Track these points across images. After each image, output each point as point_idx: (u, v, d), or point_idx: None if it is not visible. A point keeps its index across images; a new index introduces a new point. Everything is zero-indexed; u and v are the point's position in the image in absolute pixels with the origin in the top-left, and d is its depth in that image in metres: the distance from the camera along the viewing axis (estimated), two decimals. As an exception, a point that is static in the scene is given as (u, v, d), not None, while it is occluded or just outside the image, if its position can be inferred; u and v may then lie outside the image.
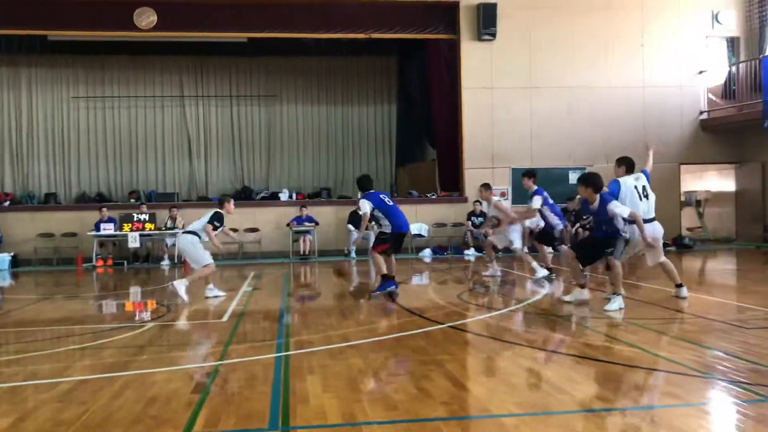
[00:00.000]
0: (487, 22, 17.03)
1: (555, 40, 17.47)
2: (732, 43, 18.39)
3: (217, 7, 16.90)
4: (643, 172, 8.45)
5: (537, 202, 10.41)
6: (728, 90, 17.99)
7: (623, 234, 7.83)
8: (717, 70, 18.24)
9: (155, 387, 4.79)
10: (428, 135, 19.86)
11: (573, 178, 16.37)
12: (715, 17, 18.02)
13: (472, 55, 17.36)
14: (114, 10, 16.58)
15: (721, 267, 13.89)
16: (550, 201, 10.71)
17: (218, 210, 9.69)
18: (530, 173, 10.87)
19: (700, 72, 18.08)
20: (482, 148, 17.29)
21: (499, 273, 11.41)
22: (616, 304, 7.68)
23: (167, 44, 19.00)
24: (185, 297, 9.06)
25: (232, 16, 17.02)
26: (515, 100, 17.45)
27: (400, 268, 13.27)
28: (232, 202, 9.97)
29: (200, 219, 9.63)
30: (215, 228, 9.44)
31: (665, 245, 16.39)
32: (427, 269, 13.85)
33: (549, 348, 6.02)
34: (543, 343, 6.26)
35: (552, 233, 10.72)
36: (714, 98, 18.14)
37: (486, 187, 11.40)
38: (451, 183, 18.15)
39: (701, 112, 18.11)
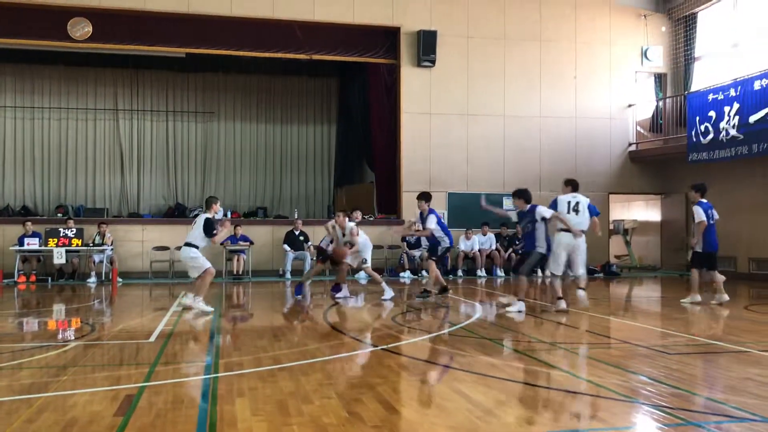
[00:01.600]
0: (426, 49, 17.31)
1: (491, 69, 17.90)
2: (660, 78, 19.22)
3: (155, 20, 16.63)
4: (589, 206, 9.94)
5: (431, 222, 11.33)
6: (656, 124, 18.77)
7: (538, 249, 9.59)
8: (645, 104, 19.02)
9: (75, 409, 4.59)
10: (367, 157, 19.95)
11: (507, 203, 16.68)
12: (644, 54, 18.82)
13: (412, 80, 17.59)
14: (48, 19, 16.11)
15: (647, 294, 14.35)
16: (443, 221, 12.01)
17: (207, 216, 9.80)
18: (424, 196, 11.70)
19: (630, 105, 18.80)
20: (420, 171, 17.48)
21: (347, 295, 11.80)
22: (515, 307, 9.57)
23: (102, 56, 18.55)
24: (208, 308, 9.60)
25: (170, 30, 16.78)
26: (452, 126, 17.74)
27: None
28: (218, 203, 10.16)
29: (195, 229, 9.78)
30: (215, 234, 9.69)
31: (593, 272, 17.00)
32: (363, 291, 13.81)
33: (481, 371, 6.06)
34: (475, 366, 6.30)
35: (437, 250, 11.58)
36: (642, 131, 18.88)
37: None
38: (388, 205, 18.24)
39: (630, 144, 18.80)
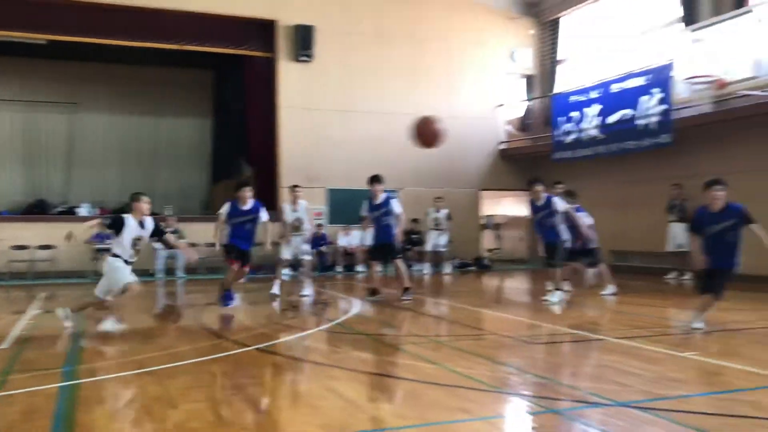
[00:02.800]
0: (304, 44, 17.18)
1: (369, 66, 18.02)
2: (528, 80, 20.09)
3: (14, 3, 15.45)
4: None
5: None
6: (524, 123, 19.62)
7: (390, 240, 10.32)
8: (515, 104, 19.83)
9: None
10: (244, 152, 19.56)
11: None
12: (513, 55, 19.60)
13: (290, 75, 17.40)
14: None
15: (516, 286, 14.99)
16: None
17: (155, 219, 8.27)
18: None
19: (500, 105, 19.53)
20: (299, 167, 17.29)
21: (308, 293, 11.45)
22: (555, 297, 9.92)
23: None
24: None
25: (31, 14, 15.62)
26: (332, 122, 17.71)
27: (210, 289, 12.85)
28: (143, 199, 8.02)
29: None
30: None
31: (466, 264, 17.55)
32: (240, 289, 13.51)
33: (354, 367, 6.08)
34: (349, 362, 6.31)
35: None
36: (512, 130, 19.67)
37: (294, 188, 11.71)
38: (266, 201, 17.92)
39: (500, 143, 19.54)
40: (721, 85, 11.75)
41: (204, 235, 16.35)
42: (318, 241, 16.86)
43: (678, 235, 14.12)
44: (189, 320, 9.38)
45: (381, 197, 10.52)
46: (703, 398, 4.80)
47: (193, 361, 6.21)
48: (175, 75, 20.91)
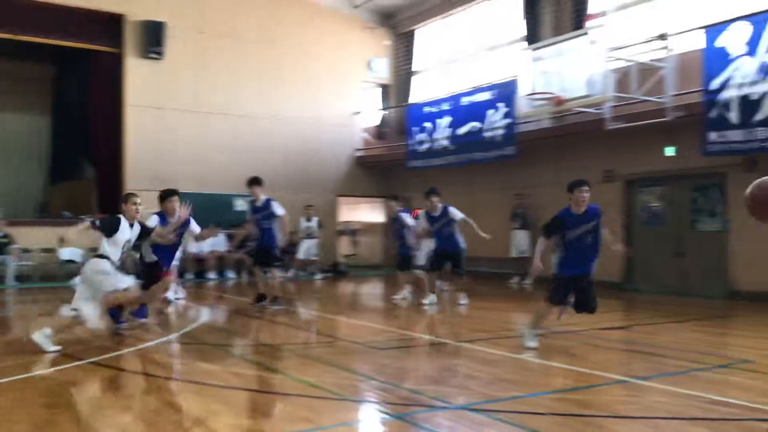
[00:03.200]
0: (154, 40, 16.43)
1: (224, 67, 17.57)
2: (384, 89, 20.47)
3: None
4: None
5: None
6: (380, 131, 19.96)
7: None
8: (371, 112, 20.13)
9: None
10: (86, 152, 18.42)
11: (238, 204, 16.55)
12: (369, 65, 19.90)
13: (138, 72, 16.58)
14: None
15: (370, 291, 15.16)
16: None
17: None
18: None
19: (357, 113, 19.75)
20: (146, 168, 16.49)
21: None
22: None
23: None
24: None
25: None
26: (183, 122, 17.07)
27: (48, 298, 11.98)
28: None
29: None
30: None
31: (325, 271, 17.55)
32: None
33: (196, 379, 5.85)
34: (192, 374, 6.07)
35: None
36: (368, 138, 19.94)
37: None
38: (111, 204, 16.97)
39: (357, 150, 19.76)
40: (559, 102, 12.55)
41: (38, 240, 15.25)
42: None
43: (521, 241, 14.94)
44: (18, 332, 8.63)
45: (262, 200, 10.22)
46: (536, 398, 5.06)
47: (17, 377, 5.71)
48: (11, 68, 19.30)
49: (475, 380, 5.57)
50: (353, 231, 20.58)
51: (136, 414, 4.81)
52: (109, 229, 7.19)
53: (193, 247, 16.54)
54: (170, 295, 10.64)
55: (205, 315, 10.00)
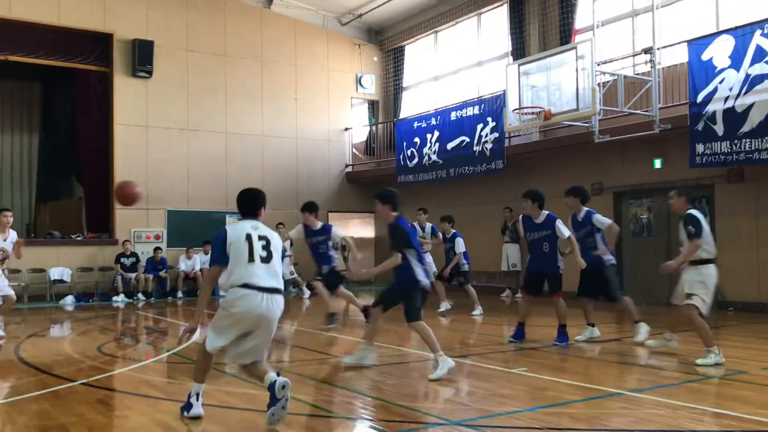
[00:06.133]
0: (142, 59, 16.45)
1: (212, 85, 17.61)
2: (373, 105, 20.55)
3: None
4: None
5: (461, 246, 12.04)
6: (369, 147, 20.00)
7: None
8: (360, 128, 20.19)
9: None
10: (75, 170, 18.34)
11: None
12: (358, 81, 19.98)
13: (127, 91, 16.58)
14: None
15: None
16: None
17: None
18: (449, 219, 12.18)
19: (346, 129, 19.81)
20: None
21: None
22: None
23: None
24: None
25: None
26: (172, 140, 17.07)
27: (37, 319, 11.90)
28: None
29: None
30: None
31: (310, 287, 17.43)
32: (68, 319, 12.59)
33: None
34: (184, 394, 6.02)
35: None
36: (358, 153, 19.99)
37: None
38: (100, 223, 16.92)
39: (347, 165, 19.78)
40: (547, 116, 12.64)
41: (28, 260, 15.11)
42: (156, 265, 16.14)
43: (512, 255, 14.96)
44: (8, 354, 8.54)
45: (318, 225, 10.24)
46: (530, 413, 5.05)
47: (9, 400, 5.66)
48: (-2, 86, 19.25)
49: (469, 395, 5.56)
50: (344, 246, 20.49)
51: (130, 436, 4.77)
52: None
53: (183, 265, 16.48)
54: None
55: (197, 334, 9.92)
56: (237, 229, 4.79)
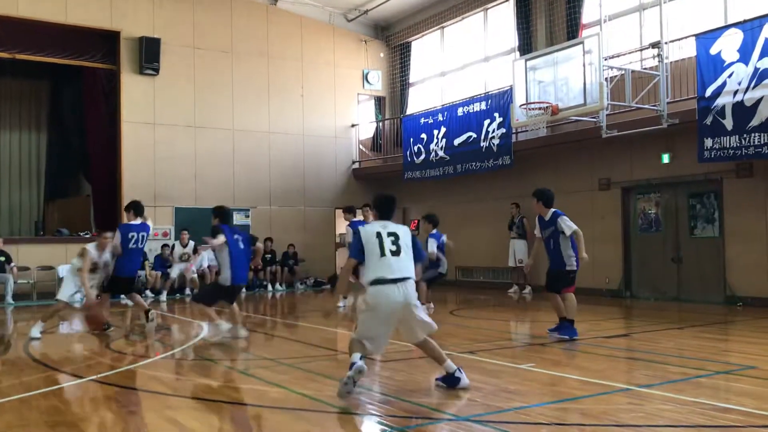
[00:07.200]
0: (149, 56, 16.48)
1: (219, 81, 17.62)
2: (379, 101, 20.52)
3: None
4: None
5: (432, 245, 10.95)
6: (376, 143, 19.98)
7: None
8: (367, 124, 20.17)
9: None
10: (83, 168, 18.41)
11: (237, 218, 16.51)
12: (365, 77, 19.96)
13: (134, 88, 16.61)
14: None
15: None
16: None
17: None
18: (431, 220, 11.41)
19: (353, 125, 19.79)
20: (143, 185, 16.49)
21: None
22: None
23: None
24: None
25: None
26: (179, 138, 17.10)
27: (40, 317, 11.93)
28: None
29: None
30: None
31: (321, 283, 17.52)
32: (77, 316, 12.63)
33: (197, 395, 5.83)
34: (193, 390, 6.05)
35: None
36: (364, 150, 19.97)
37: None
38: (108, 221, 16.95)
39: (353, 162, 19.78)
40: (554, 111, 12.58)
41: (37, 258, 15.22)
42: (165, 263, 16.18)
43: (518, 251, 14.93)
44: (17, 351, 8.59)
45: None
46: (539, 408, 5.04)
47: (19, 396, 5.69)
48: (6, 85, 19.33)
49: (477, 391, 5.56)
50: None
51: (138, 431, 4.79)
52: None
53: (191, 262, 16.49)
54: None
55: (205, 330, 9.95)
56: (368, 229, 5.60)
